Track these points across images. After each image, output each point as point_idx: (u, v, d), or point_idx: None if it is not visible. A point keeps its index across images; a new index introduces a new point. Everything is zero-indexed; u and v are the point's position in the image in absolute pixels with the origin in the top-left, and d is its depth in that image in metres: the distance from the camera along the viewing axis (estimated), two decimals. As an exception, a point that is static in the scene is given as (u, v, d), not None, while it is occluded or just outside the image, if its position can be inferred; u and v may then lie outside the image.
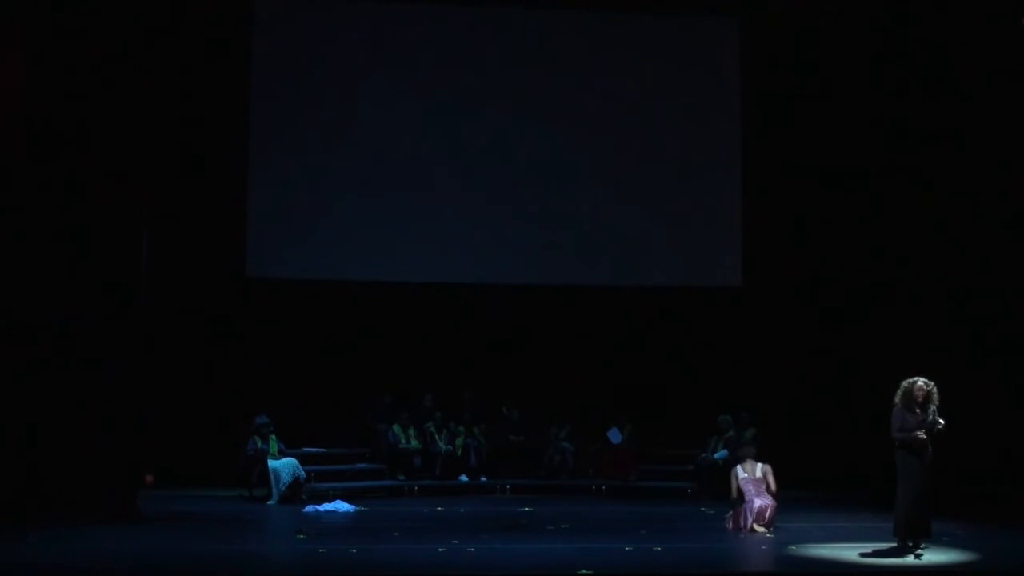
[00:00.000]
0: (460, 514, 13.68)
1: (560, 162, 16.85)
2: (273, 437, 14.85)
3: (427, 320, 16.80)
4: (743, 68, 17.09)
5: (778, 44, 16.84)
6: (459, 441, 16.38)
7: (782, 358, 16.63)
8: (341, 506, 13.74)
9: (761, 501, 12.00)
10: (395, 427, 16.16)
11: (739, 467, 12.32)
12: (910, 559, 10.21)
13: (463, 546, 10.68)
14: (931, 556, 10.30)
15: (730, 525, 12.16)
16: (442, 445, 16.30)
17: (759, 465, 12.26)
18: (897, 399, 10.51)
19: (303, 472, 14.73)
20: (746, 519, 12.00)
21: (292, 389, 16.00)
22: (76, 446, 12.74)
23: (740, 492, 12.17)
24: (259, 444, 14.78)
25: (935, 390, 10.45)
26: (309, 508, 13.69)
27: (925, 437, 10.31)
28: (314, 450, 15.67)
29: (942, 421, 10.35)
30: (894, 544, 10.52)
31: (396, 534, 11.62)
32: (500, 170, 16.78)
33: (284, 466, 14.61)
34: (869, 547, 10.68)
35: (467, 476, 16.27)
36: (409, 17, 16.85)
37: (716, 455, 15.81)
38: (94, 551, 10.36)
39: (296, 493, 14.47)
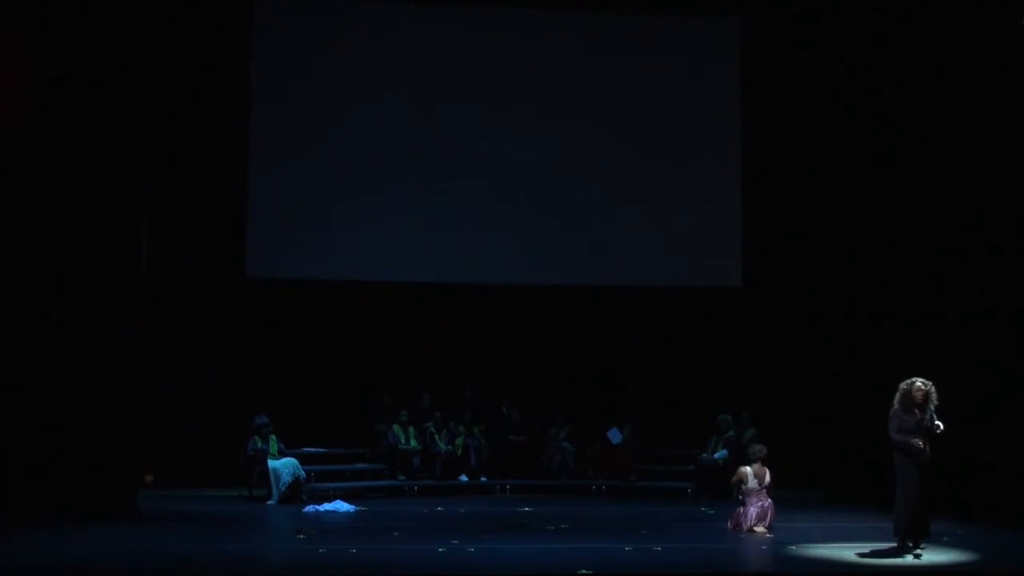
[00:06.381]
0: (460, 514, 13.70)
1: (560, 162, 16.84)
2: (273, 437, 14.86)
3: (427, 320, 16.81)
4: (743, 68, 17.08)
5: (778, 43, 16.83)
6: (459, 441, 16.39)
7: (782, 358, 16.63)
8: (341, 506, 13.74)
9: (761, 505, 12.01)
10: (395, 427, 16.17)
11: (749, 470, 12.26)
12: (910, 559, 10.21)
13: (463, 546, 10.68)
14: (931, 556, 10.30)
15: (730, 525, 12.17)
16: (442, 445, 16.31)
17: (767, 471, 12.20)
18: (896, 401, 10.50)
19: (303, 472, 14.75)
20: (746, 519, 12.02)
21: (292, 389, 16.00)
22: (76, 445, 12.74)
23: (742, 492, 12.18)
24: (259, 444, 14.79)
25: (933, 390, 10.45)
26: (309, 508, 13.70)
27: (922, 446, 10.31)
28: (314, 450, 15.68)
29: (941, 425, 10.35)
30: (894, 544, 10.52)
31: (396, 534, 11.63)
32: (500, 170, 16.76)
33: (284, 466, 14.62)
34: (869, 547, 10.68)
35: (467, 476, 16.28)
36: (409, 17, 16.85)
37: (716, 455, 15.82)
38: (94, 551, 10.36)
39: (296, 493, 14.47)
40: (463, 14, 16.96)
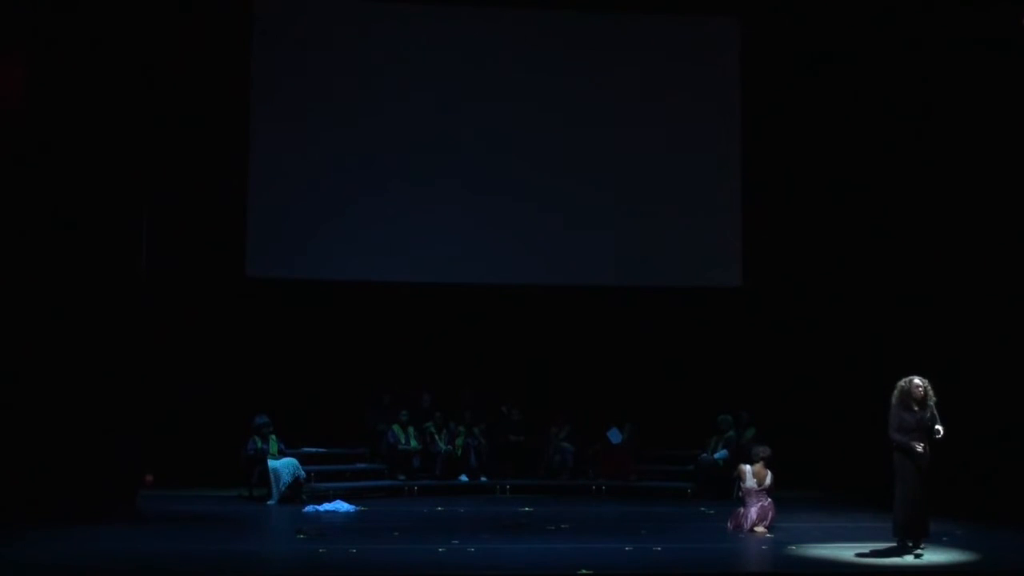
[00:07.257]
0: (460, 514, 13.70)
1: (560, 162, 16.84)
2: (273, 437, 14.86)
3: (427, 320, 16.81)
4: (743, 68, 17.09)
5: (778, 44, 16.83)
6: (459, 441, 16.40)
7: (782, 358, 16.63)
8: (341, 506, 13.74)
9: (761, 505, 12.01)
10: (395, 427, 16.17)
11: (749, 469, 12.27)
12: (909, 559, 10.21)
13: (463, 546, 10.68)
14: (931, 556, 10.30)
15: (730, 525, 12.17)
16: (442, 445, 16.31)
17: (768, 473, 12.17)
18: (894, 399, 10.50)
19: (303, 472, 14.75)
20: (747, 520, 12.02)
21: (292, 389, 16.00)
22: (76, 446, 12.74)
23: (741, 491, 12.20)
24: (259, 444, 14.79)
25: (929, 387, 10.46)
26: (309, 508, 13.69)
27: (922, 448, 10.31)
28: (314, 450, 15.68)
29: (941, 429, 10.33)
30: (893, 544, 10.52)
31: (396, 534, 11.62)
32: (500, 170, 16.77)
33: (284, 466, 14.62)
34: (869, 547, 10.67)
35: (467, 476, 16.28)
36: (410, 17, 16.85)
37: (716, 455, 15.82)
38: (94, 551, 10.36)
39: (296, 493, 14.47)
40: (464, 14, 16.97)
